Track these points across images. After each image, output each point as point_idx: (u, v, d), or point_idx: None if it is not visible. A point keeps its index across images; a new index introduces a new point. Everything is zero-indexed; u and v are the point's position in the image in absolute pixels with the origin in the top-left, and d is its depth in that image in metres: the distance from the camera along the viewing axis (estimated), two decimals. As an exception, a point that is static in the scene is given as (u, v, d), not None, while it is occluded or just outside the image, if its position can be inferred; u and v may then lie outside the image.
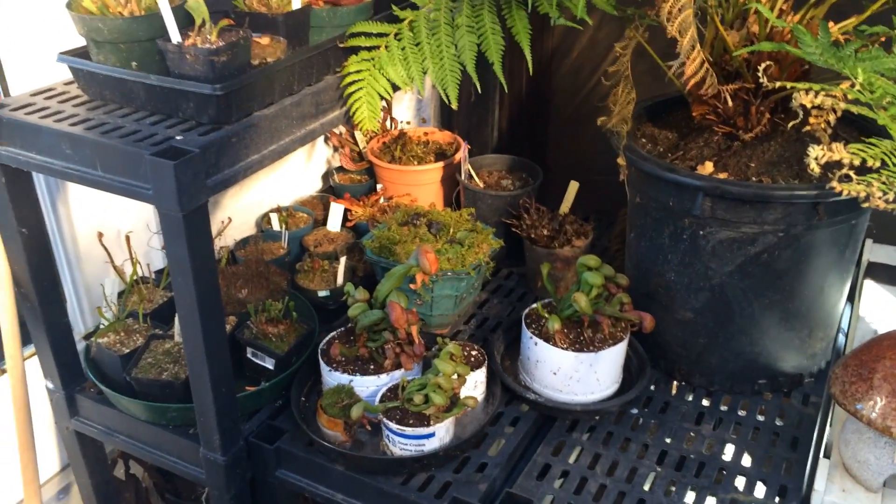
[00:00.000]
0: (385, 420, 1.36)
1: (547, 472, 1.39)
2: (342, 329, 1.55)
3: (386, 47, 1.41)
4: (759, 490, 1.35)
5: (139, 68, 1.26)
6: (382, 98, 1.43)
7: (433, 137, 2.18)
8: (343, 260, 1.77)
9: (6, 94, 1.45)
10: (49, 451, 1.70)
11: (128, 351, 1.47)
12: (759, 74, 1.25)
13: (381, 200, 2.04)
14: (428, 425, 1.34)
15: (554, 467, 1.41)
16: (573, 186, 1.89)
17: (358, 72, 1.41)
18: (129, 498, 1.83)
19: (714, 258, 1.44)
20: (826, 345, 1.57)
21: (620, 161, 1.50)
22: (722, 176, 1.42)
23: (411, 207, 1.87)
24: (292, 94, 1.37)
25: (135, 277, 1.61)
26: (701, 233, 1.43)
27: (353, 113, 1.41)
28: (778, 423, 1.50)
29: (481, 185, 1.98)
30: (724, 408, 1.53)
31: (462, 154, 1.96)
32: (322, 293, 1.75)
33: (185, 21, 1.27)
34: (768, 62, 1.24)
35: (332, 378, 1.45)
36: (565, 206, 1.89)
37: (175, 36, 1.24)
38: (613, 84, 1.56)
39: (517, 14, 1.36)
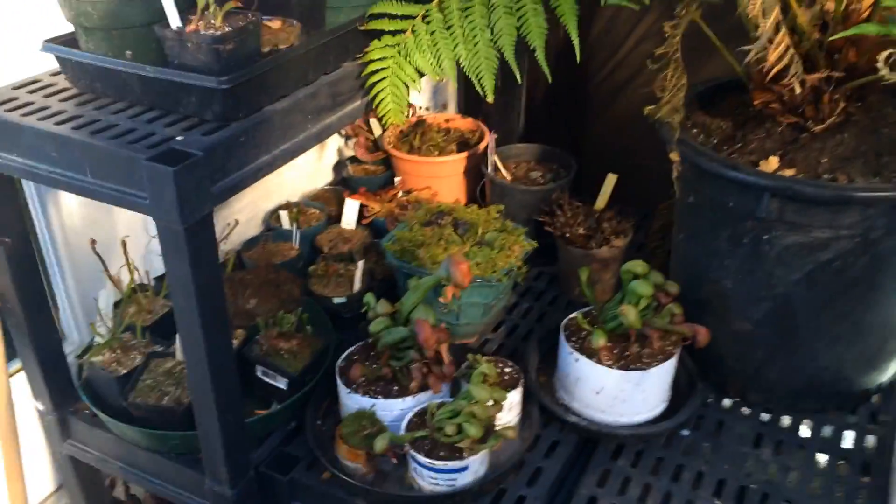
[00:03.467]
0: (413, 452, 1.22)
1: (594, 507, 1.26)
2: (361, 344, 1.40)
3: (413, 31, 1.25)
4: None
5: (134, 58, 1.10)
6: (408, 87, 1.27)
7: (454, 125, 2.02)
8: (360, 264, 1.62)
9: (-15, 87, 1.29)
10: (43, 471, 1.56)
11: (125, 371, 1.32)
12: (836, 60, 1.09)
13: (400, 194, 1.88)
14: (461, 458, 1.20)
15: (600, 500, 1.26)
16: (610, 179, 1.73)
17: (382, 59, 1.25)
18: (130, 520, 1.70)
19: (779, 265, 1.29)
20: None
21: (673, 156, 1.35)
22: (789, 173, 1.26)
23: (434, 204, 1.71)
24: (307, 85, 1.21)
25: (132, 287, 1.46)
26: (765, 237, 1.28)
27: (378, 106, 1.25)
28: (845, 445, 1.35)
29: (509, 177, 1.82)
30: (784, 427, 1.39)
31: (489, 144, 1.80)
32: (337, 300, 1.60)
33: (187, 3, 1.11)
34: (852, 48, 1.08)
35: (352, 401, 1.30)
36: (602, 201, 1.73)
37: (175, 21, 1.07)
38: (661, 68, 1.40)
39: (563, -8, 1.19)
